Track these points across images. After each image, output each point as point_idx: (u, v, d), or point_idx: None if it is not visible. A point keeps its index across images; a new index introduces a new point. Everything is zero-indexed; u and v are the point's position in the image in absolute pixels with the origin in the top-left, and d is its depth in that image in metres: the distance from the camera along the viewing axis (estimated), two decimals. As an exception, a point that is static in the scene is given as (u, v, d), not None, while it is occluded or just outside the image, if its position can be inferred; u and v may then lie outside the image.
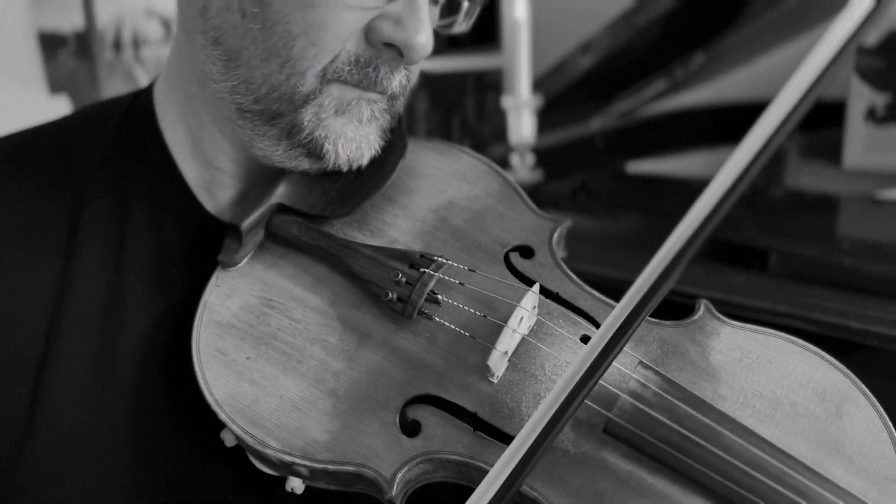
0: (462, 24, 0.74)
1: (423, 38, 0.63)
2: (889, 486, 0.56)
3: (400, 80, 0.68)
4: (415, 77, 0.72)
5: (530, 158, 1.59)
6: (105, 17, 2.60)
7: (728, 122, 2.27)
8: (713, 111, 2.28)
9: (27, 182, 0.71)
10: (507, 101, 1.58)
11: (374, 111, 0.69)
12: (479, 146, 1.91)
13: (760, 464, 0.56)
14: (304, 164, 0.69)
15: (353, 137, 0.68)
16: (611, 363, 0.48)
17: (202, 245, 0.71)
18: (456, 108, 2.29)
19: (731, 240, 1.10)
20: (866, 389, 0.61)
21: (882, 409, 0.60)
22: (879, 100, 1.94)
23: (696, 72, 2.05)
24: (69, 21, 2.58)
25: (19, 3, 2.57)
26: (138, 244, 0.70)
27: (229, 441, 0.64)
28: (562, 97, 1.76)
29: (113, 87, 2.58)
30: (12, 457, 0.63)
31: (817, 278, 0.95)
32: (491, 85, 2.35)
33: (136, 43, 2.54)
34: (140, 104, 0.76)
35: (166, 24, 2.58)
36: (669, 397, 0.59)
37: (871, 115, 1.95)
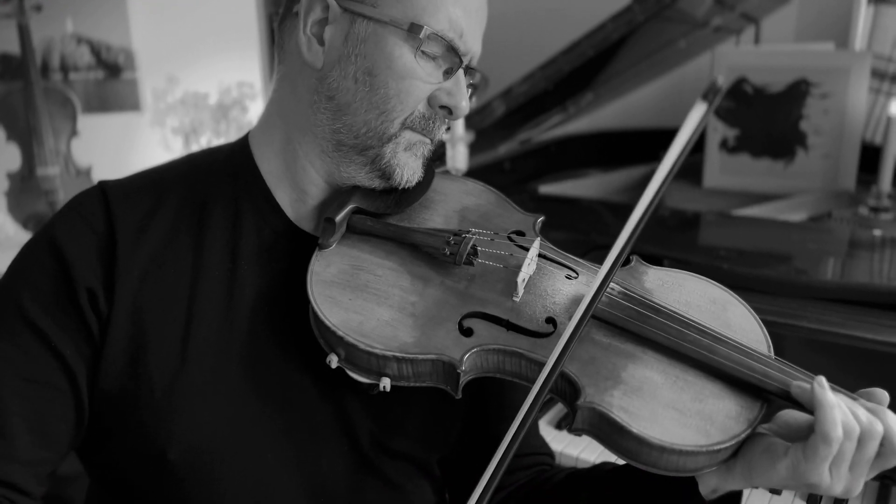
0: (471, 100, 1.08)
1: (465, 103, 0.97)
2: (758, 345, 0.90)
3: (442, 131, 1.01)
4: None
5: (465, 184, 1.90)
6: (34, 41, 2.62)
7: (604, 146, 2.70)
8: (592, 136, 2.71)
9: (170, 199, 0.99)
10: (445, 136, 1.88)
11: (424, 152, 1.00)
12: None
13: (687, 322, 0.90)
14: (376, 182, 1.00)
15: (412, 167, 0.99)
16: (604, 291, 0.87)
17: (287, 242, 1.00)
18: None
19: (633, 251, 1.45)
20: (738, 297, 0.97)
21: (750, 307, 0.95)
22: (730, 133, 2.38)
23: (583, 107, 2.45)
24: (-6, 43, 2.57)
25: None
26: (247, 241, 0.99)
27: (334, 363, 0.89)
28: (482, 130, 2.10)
29: (52, 112, 2.61)
30: (170, 385, 0.92)
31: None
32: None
33: (65, 68, 2.59)
34: (239, 148, 1.05)
35: (96, 52, 2.66)
36: (629, 292, 0.94)
37: (724, 145, 2.39)
